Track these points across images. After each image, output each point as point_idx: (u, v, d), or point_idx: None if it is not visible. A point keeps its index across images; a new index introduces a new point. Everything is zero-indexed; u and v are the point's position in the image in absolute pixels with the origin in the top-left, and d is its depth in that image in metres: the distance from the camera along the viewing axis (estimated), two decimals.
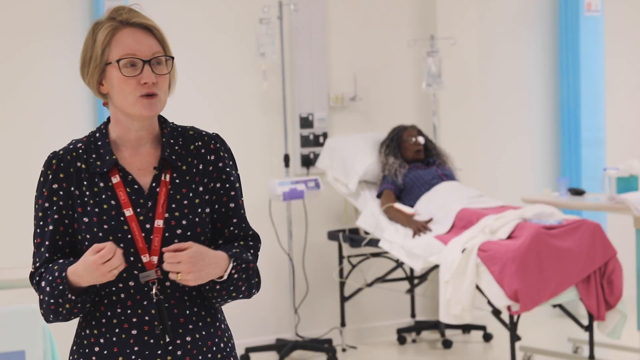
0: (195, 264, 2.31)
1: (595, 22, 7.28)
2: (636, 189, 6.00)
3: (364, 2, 6.91)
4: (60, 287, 2.33)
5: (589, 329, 5.74)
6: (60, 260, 2.37)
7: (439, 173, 6.44)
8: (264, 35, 6.32)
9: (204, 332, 2.42)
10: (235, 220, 2.47)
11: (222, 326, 2.48)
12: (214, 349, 2.44)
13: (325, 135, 6.77)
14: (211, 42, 6.45)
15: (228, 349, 2.48)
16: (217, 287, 2.38)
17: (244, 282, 2.41)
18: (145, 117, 2.39)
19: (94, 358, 2.40)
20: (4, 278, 4.63)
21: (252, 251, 2.48)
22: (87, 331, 2.41)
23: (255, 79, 6.54)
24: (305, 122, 6.73)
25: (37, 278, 2.40)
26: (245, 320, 6.50)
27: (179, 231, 2.38)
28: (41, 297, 2.38)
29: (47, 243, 2.40)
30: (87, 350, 2.41)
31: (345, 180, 6.53)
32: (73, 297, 2.33)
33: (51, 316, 2.38)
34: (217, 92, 6.50)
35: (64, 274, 2.32)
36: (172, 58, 2.44)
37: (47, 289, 2.35)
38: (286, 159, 6.48)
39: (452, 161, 6.62)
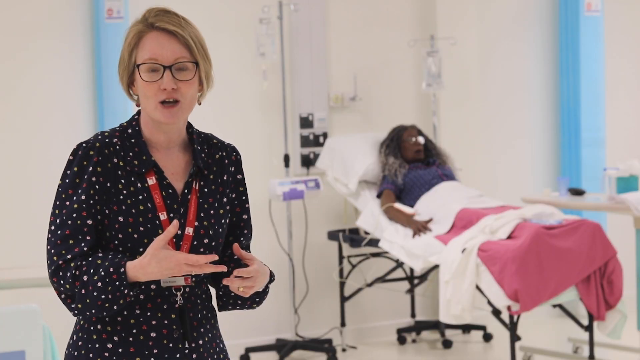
0: (260, 279, 2.39)
1: (595, 22, 7.28)
2: (636, 189, 6.00)
3: (364, 2, 6.91)
4: (117, 283, 2.26)
5: (589, 329, 5.74)
6: (102, 256, 2.30)
7: (439, 173, 6.44)
8: (264, 35, 6.32)
9: (210, 335, 2.44)
10: (246, 232, 2.50)
11: (218, 326, 2.51)
12: (217, 349, 2.46)
13: (325, 135, 6.77)
14: (211, 42, 6.39)
15: (225, 351, 2.51)
16: (257, 299, 2.48)
17: (262, 296, 2.51)
18: (164, 124, 2.37)
19: (106, 354, 2.35)
20: (4, 278, 4.62)
21: None
22: (99, 326, 2.36)
23: (255, 79, 6.54)
24: (305, 122, 6.73)
25: (74, 271, 2.29)
26: (245, 320, 6.50)
27: (206, 240, 2.38)
28: (83, 292, 2.27)
29: (87, 238, 2.32)
30: (97, 345, 2.35)
31: (345, 180, 6.53)
32: (132, 293, 2.28)
33: (93, 310, 2.29)
34: (217, 92, 6.44)
35: (122, 270, 2.26)
36: (196, 63, 2.40)
37: (98, 284, 2.26)
38: (286, 159, 6.48)
39: (452, 161, 6.62)
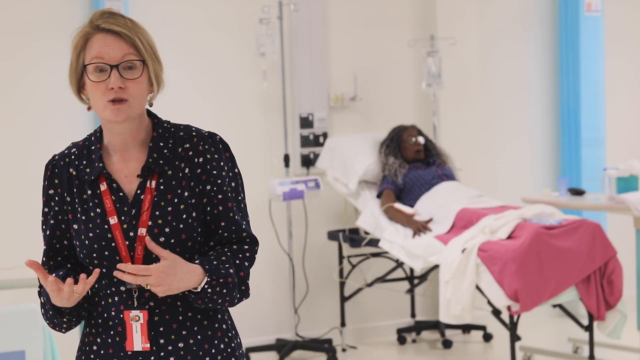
0: (164, 278, 2.30)
1: (595, 22, 7.28)
2: (636, 189, 6.00)
3: (364, 2, 6.91)
4: (51, 312, 2.41)
5: (589, 329, 5.74)
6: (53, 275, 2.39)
7: (439, 173, 6.44)
8: (264, 35, 6.32)
9: (199, 337, 2.40)
10: (223, 224, 2.42)
11: (224, 326, 2.45)
12: (213, 351, 2.42)
13: (325, 135, 6.77)
14: (211, 42, 6.46)
15: (229, 350, 2.44)
16: (192, 296, 2.37)
17: (220, 296, 2.36)
18: (113, 122, 2.37)
19: (92, 356, 2.43)
20: (4, 278, 4.62)
21: (247, 255, 2.44)
22: (87, 329, 2.45)
23: (255, 79, 6.54)
24: (305, 122, 6.73)
25: (38, 288, 2.45)
26: (245, 320, 6.49)
27: (162, 239, 2.36)
28: (42, 311, 2.45)
29: (45, 248, 2.46)
30: (87, 348, 2.45)
31: (345, 180, 6.53)
32: (64, 319, 2.41)
33: (54, 329, 2.47)
34: (217, 92, 6.50)
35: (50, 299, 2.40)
36: (144, 61, 2.37)
37: (42, 310, 2.44)
38: (286, 159, 6.48)
39: (452, 161, 6.62)
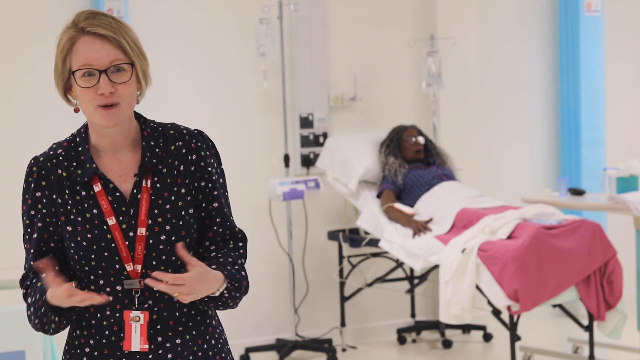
0: (196, 286, 2.30)
1: (595, 22, 7.28)
2: (636, 189, 6.00)
3: (364, 2, 6.91)
4: (43, 310, 2.33)
5: (589, 329, 5.74)
6: (43, 276, 2.35)
7: (439, 173, 6.44)
8: (264, 35, 6.32)
9: (194, 332, 2.42)
10: (219, 220, 2.44)
11: (213, 322, 2.47)
12: (205, 346, 2.43)
13: (325, 135, 6.77)
14: (211, 42, 6.46)
15: (219, 345, 2.47)
16: (206, 299, 2.37)
17: (233, 299, 2.40)
18: (105, 127, 2.37)
19: (85, 358, 2.40)
20: (4, 278, 4.63)
21: (241, 252, 2.46)
22: (78, 332, 2.42)
23: (255, 79, 6.54)
24: (305, 122, 6.73)
25: (24, 290, 2.40)
26: (245, 320, 6.50)
27: (163, 237, 2.36)
28: (28, 312, 2.38)
29: (32, 251, 2.40)
30: (78, 351, 2.41)
31: (345, 180, 6.53)
32: (56, 319, 2.35)
33: (39, 330, 2.39)
34: (217, 92, 6.50)
35: (44, 297, 2.32)
36: (132, 64, 2.36)
37: (32, 308, 2.36)
38: (286, 159, 6.48)
39: (452, 161, 6.62)
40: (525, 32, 7.37)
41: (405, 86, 7.02)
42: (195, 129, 2.47)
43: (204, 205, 2.43)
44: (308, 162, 6.75)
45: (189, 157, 2.43)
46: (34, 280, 2.39)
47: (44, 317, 2.34)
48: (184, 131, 2.45)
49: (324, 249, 6.78)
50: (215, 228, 2.45)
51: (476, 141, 7.11)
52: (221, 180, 2.48)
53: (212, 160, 2.46)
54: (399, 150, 6.53)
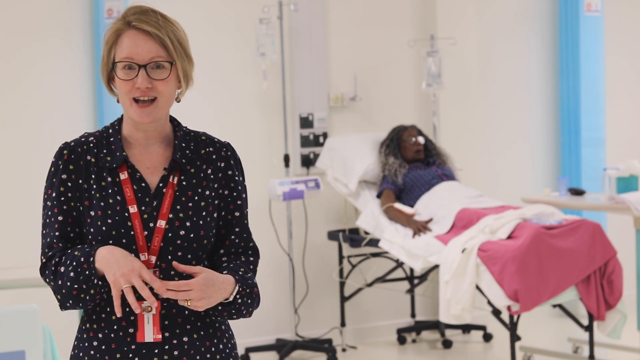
0: (205, 290, 2.31)
1: (595, 22, 7.28)
2: (636, 189, 6.00)
3: (364, 2, 6.91)
4: (87, 272, 2.32)
5: (589, 329, 5.74)
6: (79, 247, 2.36)
7: (439, 173, 6.44)
8: (264, 35, 6.32)
9: (202, 332, 2.42)
10: (237, 230, 2.48)
11: (222, 327, 2.48)
12: (213, 349, 2.44)
13: (325, 135, 6.77)
14: (211, 42, 6.46)
15: (228, 350, 2.47)
16: (220, 307, 2.38)
17: (246, 305, 2.42)
18: (139, 123, 2.41)
19: (92, 352, 2.40)
20: (4, 278, 4.62)
21: (251, 267, 2.48)
22: (88, 325, 2.42)
23: (255, 79, 6.54)
24: (305, 122, 6.74)
25: (53, 267, 2.37)
26: (245, 320, 6.49)
27: (182, 232, 2.38)
28: (60, 283, 2.35)
29: (57, 234, 2.39)
30: (86, 344, 2.42)
31: (345, 180, 6.53)
32: (100, 282, 2.32)
33: (70, 301, 2.35)
34: (217, 92, 6.50)
35: (91, 259, 2.32)
36: (172, 63, 2.41)
37: (71, 274, 2.33)
38: (286, 159, 6.48)
39: (452, 161, 6.62)
40: (525, 32, 7.37)
41: (405, 86, 7.02)
42: (225, 141, 2.52)
43: (223, 213, 2.46)
44: (308, 162, 6.75)
45: (218, 164, 2.47)
46: (69, 251, 2.36)
47: (87, 282, 2.32)
48: (215, 139, 2.51)
49: (324, 249, 6.78)
50: (232, 237, 2.48)
51: (476, 141, 7.11)
52: (244, 195, 2.50)
53: (238, 172, 2.50)
54: (399, 150, 6.54)
